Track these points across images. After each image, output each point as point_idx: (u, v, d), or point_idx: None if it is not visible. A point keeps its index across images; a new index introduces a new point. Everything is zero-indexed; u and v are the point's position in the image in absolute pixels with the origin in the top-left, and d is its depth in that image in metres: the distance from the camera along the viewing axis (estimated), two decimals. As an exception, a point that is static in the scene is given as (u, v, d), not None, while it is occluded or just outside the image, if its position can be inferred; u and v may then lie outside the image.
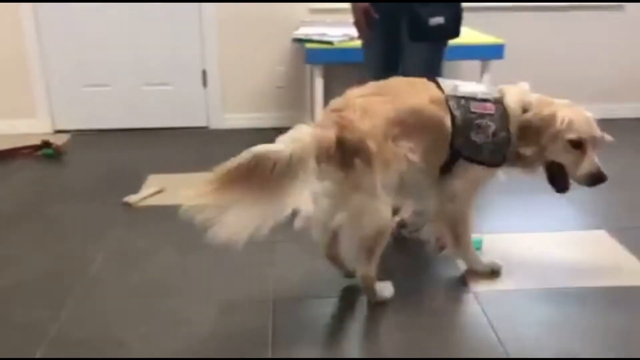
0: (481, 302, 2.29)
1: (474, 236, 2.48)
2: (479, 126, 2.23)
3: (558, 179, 2.31)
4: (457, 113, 2.22)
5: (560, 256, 2.63)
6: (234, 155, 1.92)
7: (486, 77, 3.97)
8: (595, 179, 2.23)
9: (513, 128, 2.27)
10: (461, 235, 2.39)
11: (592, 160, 2.23)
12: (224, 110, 4.58)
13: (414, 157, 2.16)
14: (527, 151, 2.27)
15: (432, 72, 2.67)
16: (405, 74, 2.66)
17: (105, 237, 2.82)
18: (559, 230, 2.87)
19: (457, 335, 2.19)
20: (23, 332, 2.14)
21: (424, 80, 2.31)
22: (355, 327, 2.26)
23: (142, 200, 3.21)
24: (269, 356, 2.00)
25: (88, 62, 4.41)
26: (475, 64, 4.06)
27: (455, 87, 2.28)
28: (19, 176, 3.62)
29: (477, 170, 2.30)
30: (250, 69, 4.50)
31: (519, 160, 2.32)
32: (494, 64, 3.98)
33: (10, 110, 4.40)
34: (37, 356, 2.00)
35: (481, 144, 2.24)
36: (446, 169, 2.29)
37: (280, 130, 2.00)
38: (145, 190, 3.31)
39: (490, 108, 2.25)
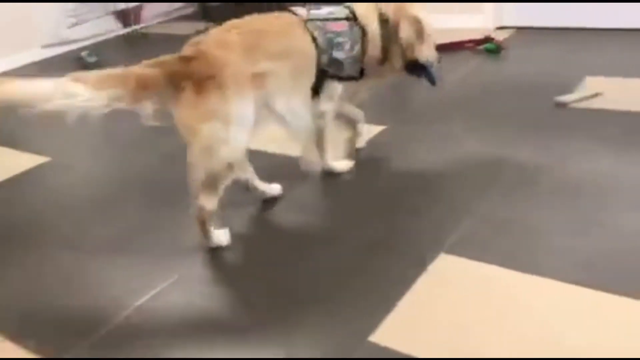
0: None
1: None
2: (338, 44, 2.42)
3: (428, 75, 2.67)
4: (317, 34, 2.39)
5: None
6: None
7: None
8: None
9: (372, 40, 2.53)
10: (326, 146, 2.65)
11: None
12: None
13: (278, 82, 2.25)
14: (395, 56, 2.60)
15: None
16: None
17: (536, 135, 2.93)
18: None
19: None
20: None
21: (278, 12, 2.44)
22: None
23: (577, 102, 3.20)
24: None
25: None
26: None
27: (310, 12, 2.46)
28: (463, 68, 3.96)
29: (339, 87, 2.52)
30: None
31: (375, 72, 2.60)
32: None
33: (453, 6, 4.70)
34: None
35: (342, 60, 2.44)
36: (315, 90, 2.45)
37: None
38: (580, 92, 3.28)
39: (343, 25, 2.46)
